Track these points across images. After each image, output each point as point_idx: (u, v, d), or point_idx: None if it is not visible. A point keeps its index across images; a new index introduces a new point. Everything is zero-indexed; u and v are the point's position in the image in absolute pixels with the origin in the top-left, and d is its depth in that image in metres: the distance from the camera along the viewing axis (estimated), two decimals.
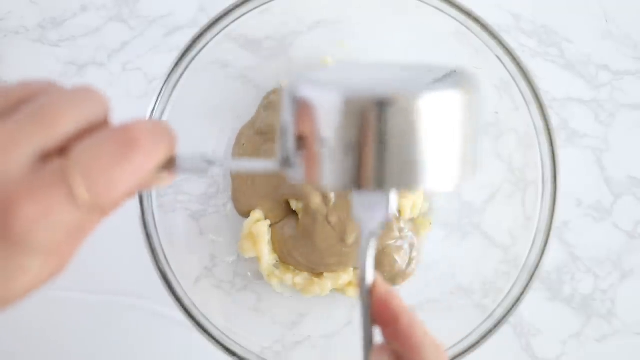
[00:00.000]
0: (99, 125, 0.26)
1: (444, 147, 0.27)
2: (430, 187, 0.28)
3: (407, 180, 0.27)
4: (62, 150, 0.25)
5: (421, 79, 0.29)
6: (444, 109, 0.27)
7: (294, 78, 0.28)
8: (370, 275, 0.31)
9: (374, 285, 0.31)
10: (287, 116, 0.28)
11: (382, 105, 0.26)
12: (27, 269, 0.24)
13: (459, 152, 0.28)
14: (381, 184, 0.27)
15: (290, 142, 0.28)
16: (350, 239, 0.51)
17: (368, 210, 0.30)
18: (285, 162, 0.28)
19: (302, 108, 0.27)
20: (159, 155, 0.26)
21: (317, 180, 0.28)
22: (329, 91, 0.26)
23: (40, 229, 0.23)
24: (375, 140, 0.26)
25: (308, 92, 0.27)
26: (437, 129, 0.27)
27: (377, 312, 0.31)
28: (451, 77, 0.28)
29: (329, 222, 0.51)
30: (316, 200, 0.51)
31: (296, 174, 0.28)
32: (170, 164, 0.27)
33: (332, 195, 0.51)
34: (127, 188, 0.25)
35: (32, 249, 0.24)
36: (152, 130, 0.26)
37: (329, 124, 0.26)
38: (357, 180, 0.27)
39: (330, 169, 0.27)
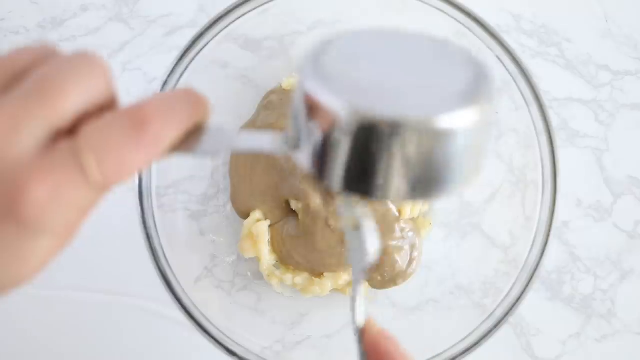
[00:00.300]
0: (106, 102, 0.25)
1: (454, 160, 0.26)
2: (436, 197, 0.27)
3: (412, 193, 0.26)
4: (70, 131, 0.24)
5: (439, 90, 0.26)
6: (461, 126, 0.25)
7: (304, 62, 0.27)
8: (361, 318, 0.31)
9: (365, 327, 0.31)
10: (297, 101, 0.27)
11: (393, 127, 0.24)
12: (37, 249, 0.24)
13: (468, 160, 0.26)
14: (384, 194, 0.26)
15: (300, 125, 0.27)
16: None
17: (359, 250, 0.30)
18: (294, 143, 0.27)
19: (310, 102, 0.26)
20: (172, 134, 0.25)
21: (320, 172, 0.27)
22: (336, 97, 0.25)
23: (52, 211, 0.23)
24: (382, 153, 0.25)
25: (316, 91, 0.26)
26: (451, 145, 0.25)
27: (370, 355, 0.31)
28: (472, 84, 0.26)
29: (329, 226, 0.51)
30: (316, 200, 0.51)
31: (302, 158, 0.27)
32: (193, 133, 0.26)
33: (332, 199, 0.51)
34: (138, 166, 0.24)
35: (44, 230, 0.24)
36: (165, 107, 0.25)
37: (335, 125, 0.25)
38: (359, 185, 0.26)
39: (332, 167, 0.26)
